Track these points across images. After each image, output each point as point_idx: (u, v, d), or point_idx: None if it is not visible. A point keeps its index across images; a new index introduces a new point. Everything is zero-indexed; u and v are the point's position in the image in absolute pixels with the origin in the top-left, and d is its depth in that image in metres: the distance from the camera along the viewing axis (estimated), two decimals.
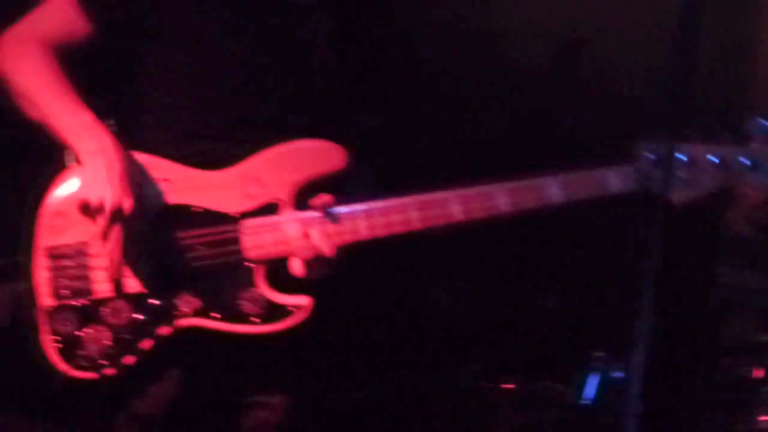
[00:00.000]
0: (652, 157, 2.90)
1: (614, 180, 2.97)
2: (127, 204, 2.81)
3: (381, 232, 2.94)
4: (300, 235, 2.92)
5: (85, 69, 3.02)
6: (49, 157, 3.05)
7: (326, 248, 2.90)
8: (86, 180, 2.86)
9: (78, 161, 2.91)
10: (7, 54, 3.00)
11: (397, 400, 4.80)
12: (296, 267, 2.93)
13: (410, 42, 3.40)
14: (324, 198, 2.94)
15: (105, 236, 2.85)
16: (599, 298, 4.30)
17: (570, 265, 4.58)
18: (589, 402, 4.05)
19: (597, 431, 3.53)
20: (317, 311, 2.97)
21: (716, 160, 2.93)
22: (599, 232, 4.06)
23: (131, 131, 3.01)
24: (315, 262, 2.92)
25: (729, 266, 4.76)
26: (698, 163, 2.94)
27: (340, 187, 2.99)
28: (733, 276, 4.73)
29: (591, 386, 3.92)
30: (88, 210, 2.83)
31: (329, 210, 2.94)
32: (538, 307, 4.76)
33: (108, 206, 2.80)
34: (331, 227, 2.93)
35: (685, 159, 2.92)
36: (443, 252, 4.50)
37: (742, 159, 2.93)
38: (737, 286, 4.72)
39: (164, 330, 2.93)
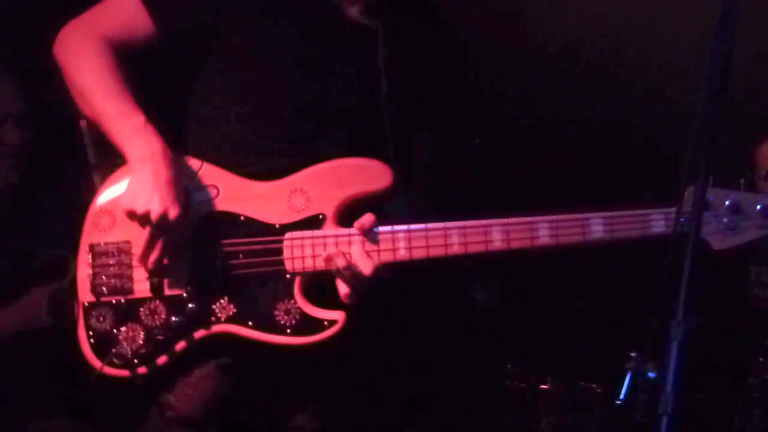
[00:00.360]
0: (698, 201, 2.86)
1: (658, 221, 2.96)
2: (173, 213, 2.87)
3: (420, 254, 2.94)
4: (344, 252, 2.93)
5: (145, 69, 3.07)
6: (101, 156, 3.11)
7: (364, 267, 2.91)
8: (133, 187, 2.90)
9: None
10: (68, 46, 3.03)
11: (437, 400, 4.93)
12: (339, 286, 2.94)
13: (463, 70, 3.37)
14: (367, 217, 2.94)
15: (150, 242, 2.91)
16: (635, 298, 4.36)
17: (605, 265, 4.48)
18: (625, 402, 4.18)
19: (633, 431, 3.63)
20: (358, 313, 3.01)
21: (762, 210, 2.92)
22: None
23: (186, 135, 3.07)
24: (353, 279, 2.93)
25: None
26: (745, 211, 2.93)
27: (384, 206, 3.01)
28: None
29: (627, 386, 4.10)
30: (134, 217, 2.90)
31: (371, 229, 2.95)
32: (575, 308, 4.85)
33: (153, 215, 2.86)
34: (371, 246, 2.93)
35: (732, 206, 2.92)
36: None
37: None
38: None
39: (200, 333, 2.98)
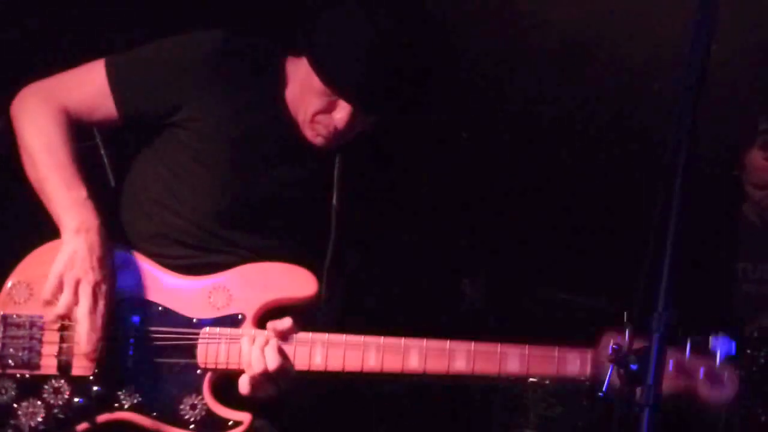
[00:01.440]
0: (611, 350, 2.85)
1: (573, 362, 2.99)
2: (102, 287, 2.87)
3: (334, 365, 2.93)
4: (257, 353, 2.90)
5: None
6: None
7: (278, 371, 2.89)
8: (66, 255, 2.89)
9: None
10: (25, 106, 3.06)
11: (427, 392, 4.87)
12: (243, 383, 2.92)
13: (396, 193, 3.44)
14: (285, 323, 2.92)
15: (68, 315, 2.90)
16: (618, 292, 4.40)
17: (590, 259, 4.71)
18: (607, 394, 4.14)
19: (617, 422, 3.56)
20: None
21: (673, 365, 2.95)
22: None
23: (123, 219, 3.08)
24: (264, 381, 2.91)
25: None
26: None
27: (308, 311, 3.01)
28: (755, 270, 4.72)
29: (609, 378, 4.06)
30: (60, 287, 2.88)
31: (286, 334, 2.93)
32: (561, 302, 4.83)
33: (85, 287, 2.85)
34: (287, 350, 2.92)
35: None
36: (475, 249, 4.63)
37: (702, 369, 2.98)
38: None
39: (102, 417, 2.96)
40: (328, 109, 3.00)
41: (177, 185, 3.06)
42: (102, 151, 3.37)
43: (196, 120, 3.04)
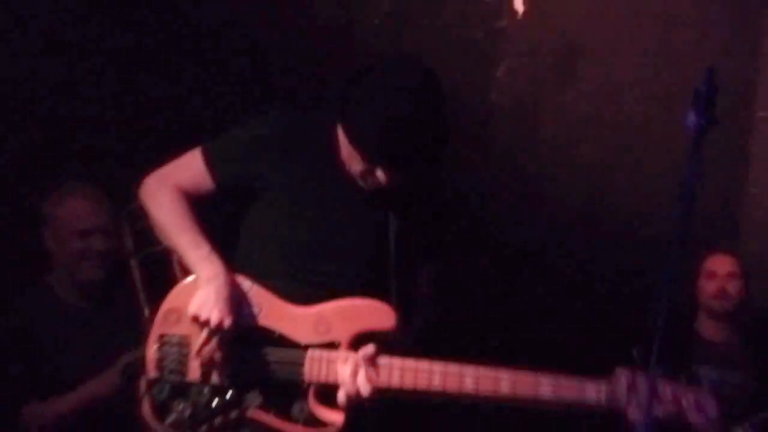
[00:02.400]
0: (624, 381, 3.43)
1: (591, 391, 3.44)
2: (226, 323, 3.48)
3: (408, 384, 3.47)
4: (349, 372, 3.51)
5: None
6: None
7: (365, 389, 3.44)
8: (200, 298, 3.50)
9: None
10: (149, 191, 3.69)
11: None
12: (341, 397, 3.52)
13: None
14: (369, 349, 3.51)
15: (205, 341, 3.52)
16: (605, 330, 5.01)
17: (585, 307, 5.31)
18: None
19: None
20: None
21: (671, 395, 3.41)
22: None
23: (243, 258, 3.67)
24: (356, 396, 3.51)
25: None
26: (660, 395, 3.38)
27: (391, 338, 3.56)
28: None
29: None
30: (197, 321, 3.50)
31: (372, 358, 3.48)
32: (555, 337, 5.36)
33: (212, 323, 3.47)
34: (372, 372, 3.46)
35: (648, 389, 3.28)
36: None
37: (691, 397, 3.43)
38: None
39: (234, 414, 3.54)
40: (370, 168, 3.51)
41: (277, 234, 3.62)
42: None
43: (276, 183, 3.61)
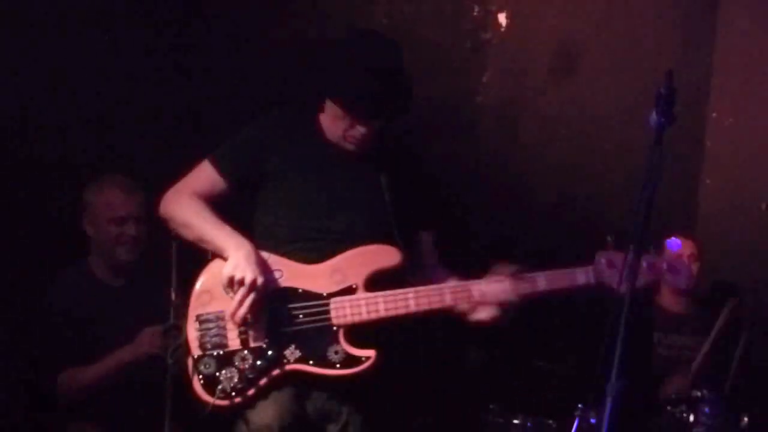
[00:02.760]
0: (604, 261, 3.85)
1: (581, 276, 3.88)
2: (260, 280, 3.74)
3: (424, 307, 3.85)
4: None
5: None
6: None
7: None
8: (233, 263, 3.75)
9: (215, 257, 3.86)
10: (170, 200, 3.98)
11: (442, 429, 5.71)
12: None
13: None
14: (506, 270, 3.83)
15: (242, 303, 3.75)
16: (584, 364, 5.17)
17: (565, 337, 5.55)
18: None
19: None
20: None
21: (648, 265, 3.79)
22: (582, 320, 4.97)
23: (263, 238, 3.94)
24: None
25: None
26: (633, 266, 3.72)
27: (401, 275, 3.88)
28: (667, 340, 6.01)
29: (575, 428, 4.79)
30: (232, 283, 3.74)
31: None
32: (542, 367, 5.66)
33: (248, 281, 3.73)
34: (394, 303, 3.82)
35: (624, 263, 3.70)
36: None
37: (662, 264, 3.85)
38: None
39: (276, 372, 3.79)
40: (352, 125, 3.85)
41: (281, 207, 3.90)
42: None
43: (278, 168, 3.90)
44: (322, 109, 3.98)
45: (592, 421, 4.79)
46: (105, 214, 4.90)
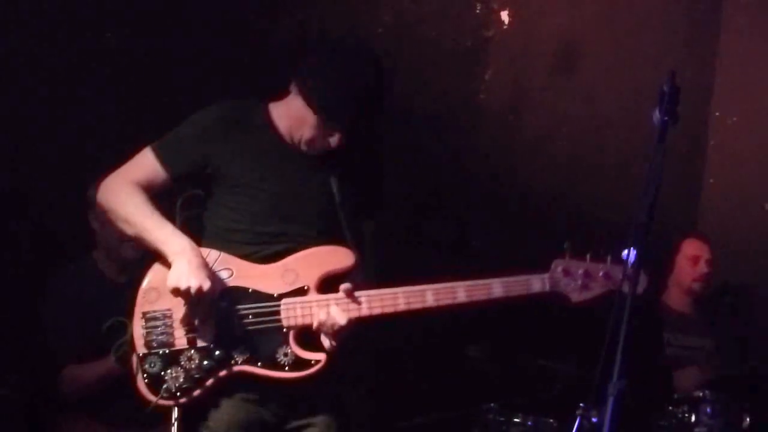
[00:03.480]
0: (560, 269, 3.80)
1: (536, 283, 3.81)
2: (205, 286, 3.63)
3: (377, 311, 3.74)
4: (323, 310, 3.70)
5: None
6: None
7: (341, 320, 3.68)
8: (175, 271, 3.64)
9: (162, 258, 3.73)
10: (108, 191, 3.82)
11: (443, 427, 5.64)
12: (324, 333, 3.70)
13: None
14: (345, 285, 3.72)
15: (188, 309, 3.67)
16: (586, 363, 5.17)
17: (566, 335, 5.45)
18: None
19: None
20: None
21: (604, 275, 3.78)
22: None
23: (208, 235, 3.85)
24: (332, 330, 3.70)
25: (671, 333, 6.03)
26: (593, 275, 3.83)
27: (353, 278, 3.79)
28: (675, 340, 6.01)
29: (577, 427, 4.52)
30: (178, 292, 3.64)
31: (350, 294, 3.72)
32: (544, 366, 5.57)
33: (192, 290, 3.62)
34: (346, 306, 3.72)
35: (584, 272, 3.82)
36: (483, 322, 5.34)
37: (619, 271, 3.75)
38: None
39: (223, 373, 3.70)
40: (323, 135, 3.75)
41: (234, 210, 3.78)
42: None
43: (224, 165, 3.77)
44: (275, 103, 3.91)
45: (594, 420, 4.57)
46: None
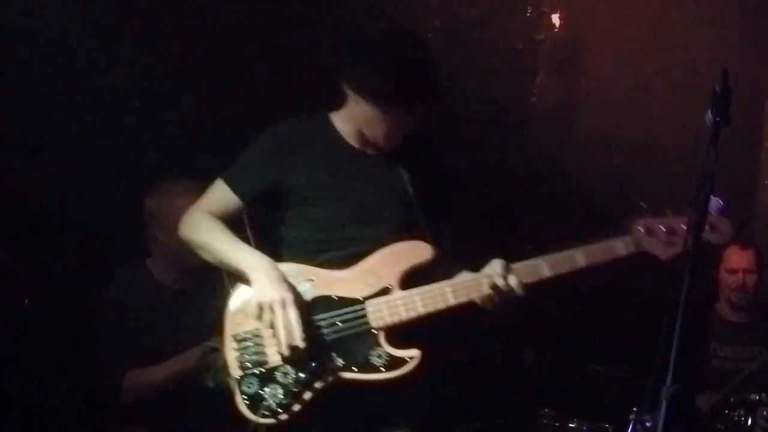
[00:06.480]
0: (642, 228, 3.77)
1: (619, 246, 3.78)
2: (288, 299, 3.66)
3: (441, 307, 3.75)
4: (500, 279, 3.71)
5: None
6: None
7: (520, 290, 3.73)
8: (258, 289, 3.69)
9: (244, 279, 3.77)
10: (187, 224, 3.93)
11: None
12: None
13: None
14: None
15: (275, 324, 3.67)
16: (638, 369, 5.26)
17: (619, 341, 5.56)
18: None
19: None
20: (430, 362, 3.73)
21: (685, 227, 3.59)
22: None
23: (286, 249, 3.88)
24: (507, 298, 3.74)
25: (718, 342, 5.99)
26: (676, 231, 3.78)
27: (433, 272, 3.81)
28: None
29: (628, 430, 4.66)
30: (262, 308, 3.66)
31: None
32: (598, 372, 5.63)
33: (276, 303, 3.65)
34: (431, 298, 3.75)
35: (668, 229, 3.79)
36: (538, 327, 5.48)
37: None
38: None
39: (320, 384, 3.70)
40: (396, 124, 3.78)
41: (312, 220, 3.81)
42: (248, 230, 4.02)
43: (297, 181, 3.80)
44: (336, 112, 3.93)
45: (648, 424, 4.52)
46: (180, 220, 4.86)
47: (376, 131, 3.84)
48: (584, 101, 6.66)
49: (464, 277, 3.86)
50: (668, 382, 3.03)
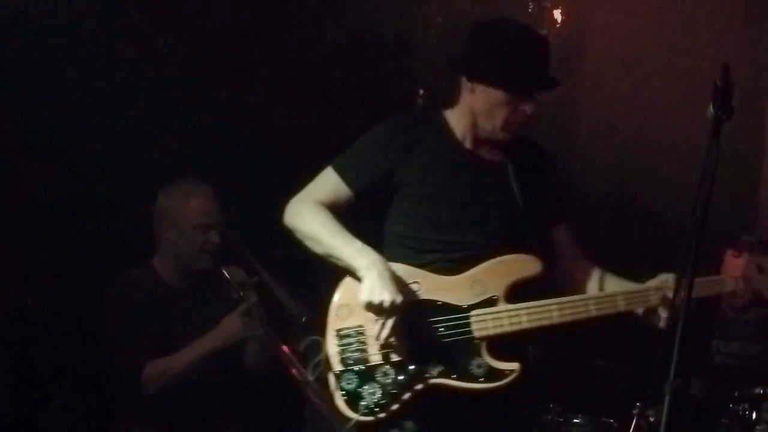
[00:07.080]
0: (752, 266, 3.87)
1: (729, 284, 3.95)
2: (398, 300, 3.64)
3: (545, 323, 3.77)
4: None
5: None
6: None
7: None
8: (367, 286, 3.65)
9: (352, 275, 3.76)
10: (293, 211, 3.87)
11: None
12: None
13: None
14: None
15: (383, 323, 3.67)
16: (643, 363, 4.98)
17: (626, 338, 5.24)
18: None
19: None
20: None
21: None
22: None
23: (396, 249, 3.86)
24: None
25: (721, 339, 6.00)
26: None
27: (541, 285, 3.80)
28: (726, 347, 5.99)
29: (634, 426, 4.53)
30: (371, 307, 3.65)
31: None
32: (603, 367, 5.71)
33: (386, 303, 3.63)
34: (538, 315, 3.75)
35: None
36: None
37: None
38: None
39: (419, 386, 3.71)
40: (517, 110, 3.74)
41: (415, 218, 3.80)
42: None
43: (406, 177, 3.81)
44: (450, 110, 3.93)
45: (651, 419, 4.60)
46: (191, 220, 4.93)
47: (496, 119, 3.79)
48: (586, 97, 6.67)
49: (578, 296, 3.86)
50: (672, 376, 3.05)
